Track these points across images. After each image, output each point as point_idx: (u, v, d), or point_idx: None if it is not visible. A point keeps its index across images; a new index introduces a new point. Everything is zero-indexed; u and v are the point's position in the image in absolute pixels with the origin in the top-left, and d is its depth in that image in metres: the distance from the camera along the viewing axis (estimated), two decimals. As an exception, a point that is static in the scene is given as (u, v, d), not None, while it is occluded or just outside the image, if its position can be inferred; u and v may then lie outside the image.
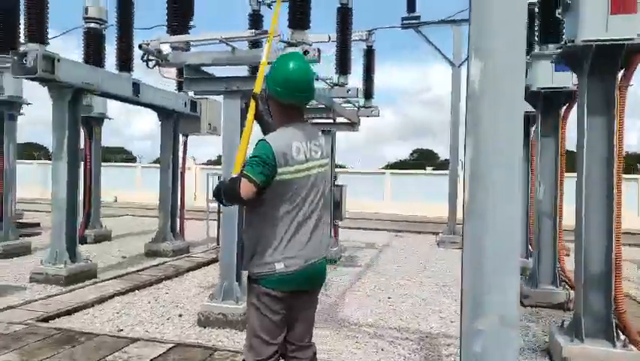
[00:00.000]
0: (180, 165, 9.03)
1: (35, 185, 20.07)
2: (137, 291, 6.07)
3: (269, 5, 6.89)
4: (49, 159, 7.11)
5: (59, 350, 3.78)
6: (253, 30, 4.65)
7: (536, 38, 5.93)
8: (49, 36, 6.24)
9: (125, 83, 7.21)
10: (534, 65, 5.83)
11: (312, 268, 2.22)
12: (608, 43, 3.80)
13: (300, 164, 2.16)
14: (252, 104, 2.43)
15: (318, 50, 4.63)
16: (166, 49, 4.79)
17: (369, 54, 8.81)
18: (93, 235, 9.93)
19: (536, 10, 5.91)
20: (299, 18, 4.69)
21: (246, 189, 2.09)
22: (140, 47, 4.63)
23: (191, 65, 4.85)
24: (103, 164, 10.69)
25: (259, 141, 2.18)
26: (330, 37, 6.77)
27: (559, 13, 4.38)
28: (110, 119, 10.40)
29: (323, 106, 6.68)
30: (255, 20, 6.77)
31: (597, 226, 3.97)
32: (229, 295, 4.76)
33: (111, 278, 6.50)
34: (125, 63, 7.30)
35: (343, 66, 6.78)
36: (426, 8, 10.06)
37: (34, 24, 5.96)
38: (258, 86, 2.75)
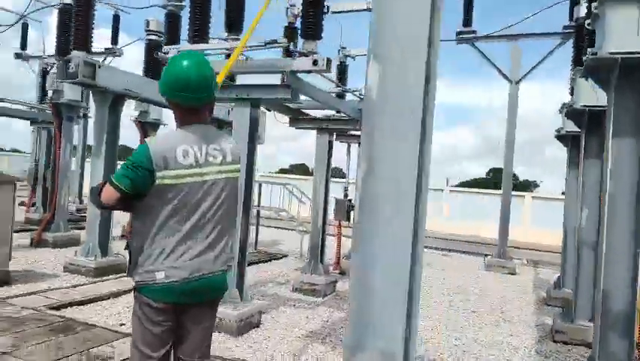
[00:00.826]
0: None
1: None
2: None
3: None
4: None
5: (52, 337, 3.97)
6: (264, 39, 4.65)
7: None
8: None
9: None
10: (578, 81, 5.32)
11: (201, 281, 2.06)
12: (636, 56, 3.36)
13: (186, 168, 2.00)
14: None
15: (328, 60, 4.52)
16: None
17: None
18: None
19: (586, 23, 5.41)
20: (310, 29, 4.68)
21: (108, 194, 1.99)
22: (156, 54, 4.80)
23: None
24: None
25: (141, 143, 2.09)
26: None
27: (588, 24, 3.96)
28: (165, 125, 10.95)
29: (348, 117, 6.55)
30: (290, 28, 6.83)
31: (620, 260, 3.50)
32: (227, 301, 4.76)
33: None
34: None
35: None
36: (481, 23, 9.45)
37: (80, 33, 6.42)
38: (220, 79, 2.75)
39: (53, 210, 8.95)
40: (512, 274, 9.94)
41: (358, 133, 8.68)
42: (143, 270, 2.03)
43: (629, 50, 3.38)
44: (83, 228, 10.69)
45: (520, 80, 10.32)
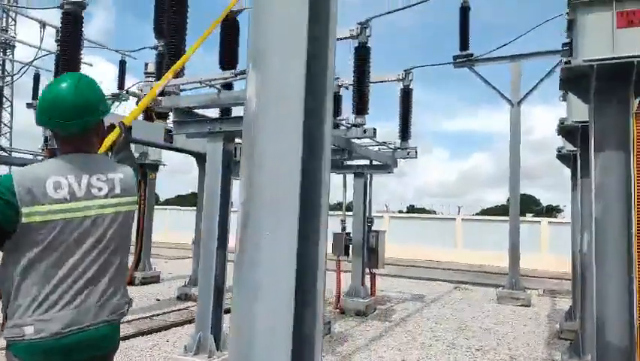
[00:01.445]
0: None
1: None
2: (141, 336, 6.01)
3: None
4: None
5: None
6: (232, 71, 4.54)
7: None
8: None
9: (158, 130, 7.50)
10: (569, 96, 5.06)
11: (79, 336, 1.73)
12: (613, 62, 3.11)
13: (59, 203, 1.72)
14: (115, 131, 2.23)
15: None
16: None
17: (405, 94, 8.38)
18: (141, 277, 10.26)
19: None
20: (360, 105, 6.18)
21: None
22: (127, 92, 4.73)
23: (179, 108, 4.85)
24: (186, 208, 11.37)
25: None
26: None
27: (566, 34, 3.75)
28: (164, 165, 10.97)
29: (338, 147, 6.35)
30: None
31: (613, 287, 3.13)
32: (203, 348, 4.46)
33: (129, 321, 6.54)
34: (160, 113, 7.64)
35: (360, 106, 6.45)
36: (476, 45, 9.37)
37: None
38: (129, 118, 2.55)
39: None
40: (526, 305, 9.36)
41: (355, 163, 8.50)
42: (12, 323, 1.70)
43: (604, 57, 3.14)
44: None
45: (521, 101, 10.06)
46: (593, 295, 3.16)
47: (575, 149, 5.55)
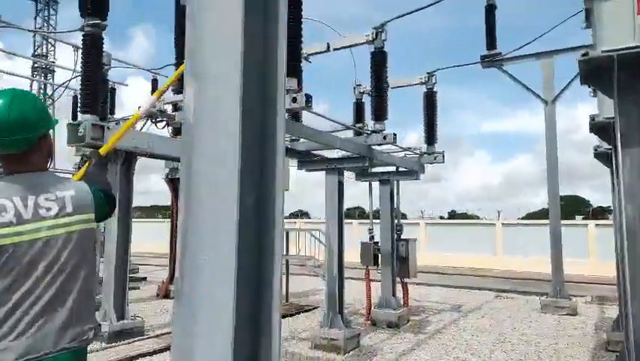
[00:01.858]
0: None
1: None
2: (166, 352, 6.03)
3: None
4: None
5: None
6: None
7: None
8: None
9: (177, 145, 7.59)
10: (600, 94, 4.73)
11: None
12: (635, 51, 2.85)
13: (5, 227, 1.64)
14: (86, 164, 2.19)
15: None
16: (169, 108, 4.89)
17: (429, 97, 8.15)
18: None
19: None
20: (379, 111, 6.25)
21: None
22: (139, 108, 4.77)
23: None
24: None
25: None
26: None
27: (584, 25, 3.49)
28: (195, 179, 11.12)
29: (358, 155, 6.23)
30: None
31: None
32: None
33: (153, 337, 6.59)
34: (178, 129, 7.74)
35: (379, 112, 6.31)
36: (504, 43, 9.02)
37: (89, 97, 6.63)
38: (106, 147, 2.42)
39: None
40: (572, 315, 8.82)
41: (380, 170, 8.33)
42: None
43: (625, 46, 2.88)
44: (131, 288, 11.01)
45: (556, 99, 9.58)
46: (628, 300, 2.87)
47: (610, 147, 5.17)
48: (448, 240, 17.75)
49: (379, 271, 8.15)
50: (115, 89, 10.83)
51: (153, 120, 5.07)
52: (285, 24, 1.35)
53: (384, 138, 6.19)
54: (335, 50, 6.74)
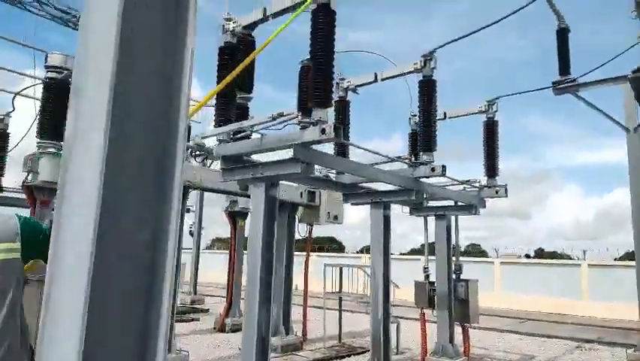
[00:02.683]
0: (294, 253, 9.02)
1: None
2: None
3: (353, 90, 6.74)
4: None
5: None
6: (271, 113, 4.45)
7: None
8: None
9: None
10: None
11: None
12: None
13: None
14: None
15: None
16: (208, 142, 4.95)
17: (490, 127, 7.65)
18: (231, 324, 10.39)
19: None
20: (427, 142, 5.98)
21: None
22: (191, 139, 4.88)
23: (226, 155, 4.87)
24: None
25: None
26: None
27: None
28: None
29: (403, 188, 5.91)
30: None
31: None
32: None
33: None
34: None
35: (427, 143, 5.97)
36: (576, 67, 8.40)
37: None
38: None
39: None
40: (668, 373, 7.56)
41: (436, 205, 7.87)
42: None
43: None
44: (192, 320, 11.28)
45: (638, 127, 8.60)
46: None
47: None
48: (526, 281, 16.35)
49: (435, 315, 7.57)
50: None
51: (192, 154, 5.16)
52: (194, 25, 1.20)
53: (433, 170, 5.83)
54: (383, 80, 6.57)
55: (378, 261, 6.14)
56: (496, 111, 7.70)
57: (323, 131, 4.21)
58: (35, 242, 1.84)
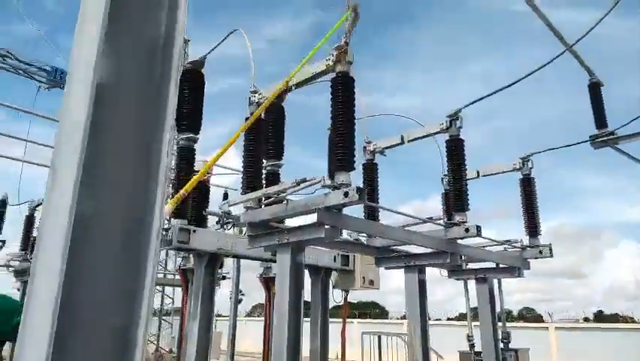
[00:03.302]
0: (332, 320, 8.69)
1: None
2: None
3: (381, 153, 6.77)
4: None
5: None
6: (295, 179, 4.48)
7: None
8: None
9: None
10: None
11: None
12: None
13: None
14: None
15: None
16: (234, 209, 5.01)
17: (526, 184, 7.40)
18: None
19: None
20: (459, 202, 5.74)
21: None
22: (203, 212, 4.96)
23: (253, 222, 4.89)
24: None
25: None
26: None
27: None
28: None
29: (436, 250, 5.70)
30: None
31: None
32: None
33: None
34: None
35: (459, 203, 5.81)
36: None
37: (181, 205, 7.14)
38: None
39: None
40: None
41: (475, 267, 7.53)
42: None
43: None
44: None
45: (691, 178, 8.08)
46: None
47: None
48: (586, 348, 15.01)
49: (483, 388, 6.99)
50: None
51: (220, 223, 5.22)
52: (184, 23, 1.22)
53: (467, 230, 5.62)
54: (409, 141, 6.57)
55: (416, 329, 5.82)
56: (531, 168, 7.48)
57: (346, 194, 4.18)
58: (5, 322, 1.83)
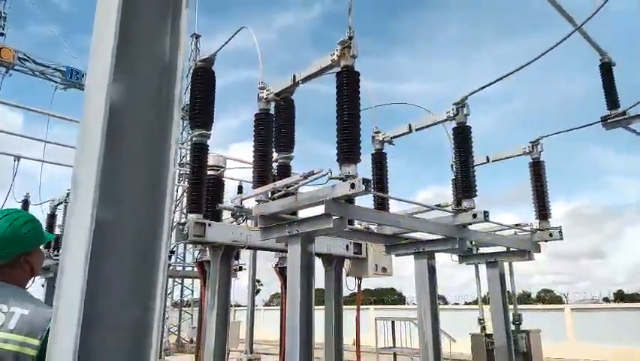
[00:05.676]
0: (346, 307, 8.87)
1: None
2: None
3: (389, 142, 6.86)
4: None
5: None
6: (302, 172, 4.61)
7: None
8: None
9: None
10: None
11: None
12: None
13: None
14: None
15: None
16: (247, 203, 5.18)
17: (536, 168, 7.42)
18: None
19: None
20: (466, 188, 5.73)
21: None
22: (216, 206, 5.13)
23: (264, 215, 5.05)
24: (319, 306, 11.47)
25: None
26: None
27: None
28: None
29: (445, 236, 5.81)
30: (379, 159, 6.81)
31: None
32: None
33: None
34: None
35: (466, 189, 5.89)
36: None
37: (194, 199, 7.34)
38: None
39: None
40: None
41: (486, 251, 7.61)
42: None
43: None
44: None
45: None
46: None
47: None
48: (603, 328, 14.99)
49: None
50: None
51: (234, 216, 5.39)
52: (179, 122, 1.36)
53: (474, 216, 5.71)
54: (417, 130, 6.64)
55: (426, 314, 5.95)
56: (541, 151, 7.50)
57: (352, 185, 4.31)
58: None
